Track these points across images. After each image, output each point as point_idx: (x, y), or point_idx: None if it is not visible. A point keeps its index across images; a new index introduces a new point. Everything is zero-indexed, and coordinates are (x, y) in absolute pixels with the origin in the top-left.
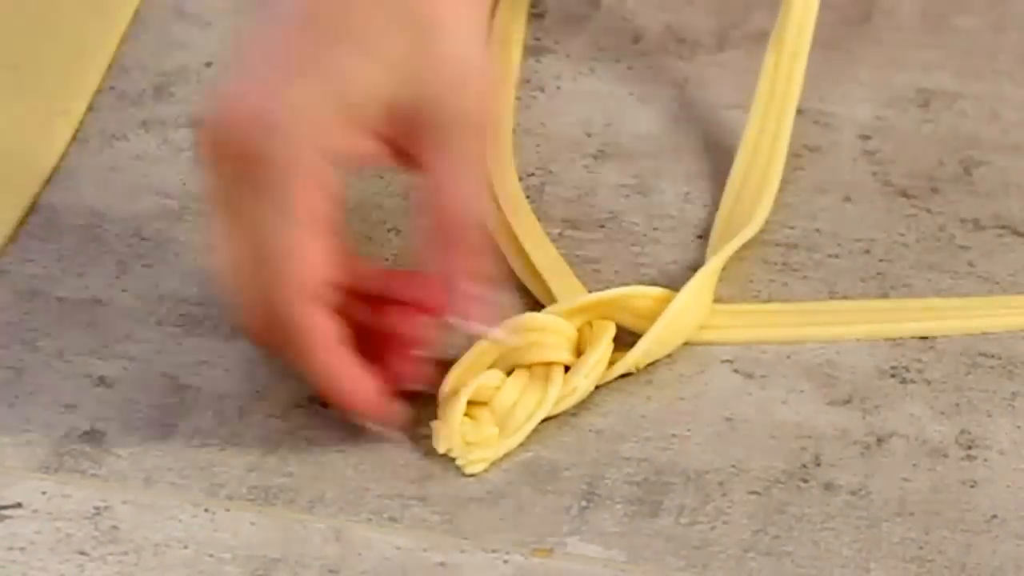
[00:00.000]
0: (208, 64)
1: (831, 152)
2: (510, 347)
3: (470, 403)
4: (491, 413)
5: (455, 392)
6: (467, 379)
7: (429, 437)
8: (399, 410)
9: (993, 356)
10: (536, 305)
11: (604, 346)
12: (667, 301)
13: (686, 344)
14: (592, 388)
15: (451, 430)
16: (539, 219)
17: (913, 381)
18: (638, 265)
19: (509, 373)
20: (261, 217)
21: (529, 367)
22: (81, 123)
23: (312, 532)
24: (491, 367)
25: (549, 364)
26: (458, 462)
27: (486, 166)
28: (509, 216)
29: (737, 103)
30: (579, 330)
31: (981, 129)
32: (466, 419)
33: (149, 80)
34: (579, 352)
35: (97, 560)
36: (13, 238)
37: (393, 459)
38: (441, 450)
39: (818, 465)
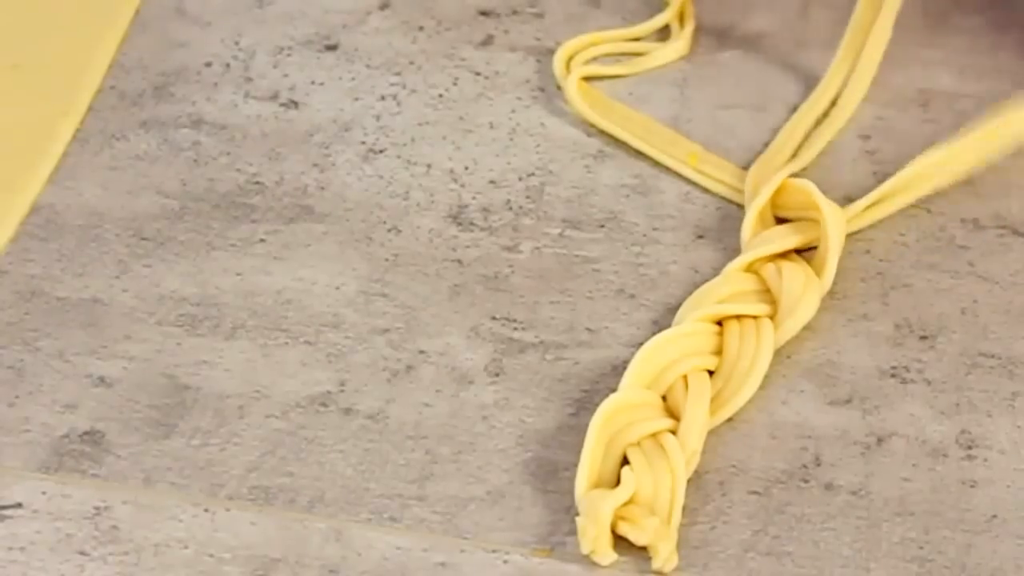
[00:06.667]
0: (208, 64)
1: (831, 152)
2: (611, 434)
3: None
4: (639, 507)
5: (596, 516)
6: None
7: (428, 437)
8: None
9: (993, 356)
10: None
11: (701, 401)
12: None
13: None
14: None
15: (608, 547)
16: (539, 219)
17: (913, 381)
18: (638, 265)
19: (622, 464)
20: None
21: (639, 443)
22: (81, 123)
23: (312, 532)
24: (603, 460)
25: (654, 435)
26: (661, 567)
27: None
28: None
29: (737, 103)
30: (663, 397)
31: None
32: (623, 524)
33: (149, 80)
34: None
35: (97, 560)
36: (13, 238)
37: (393, 459)
38: (607, 562)
39: (818, 465)
